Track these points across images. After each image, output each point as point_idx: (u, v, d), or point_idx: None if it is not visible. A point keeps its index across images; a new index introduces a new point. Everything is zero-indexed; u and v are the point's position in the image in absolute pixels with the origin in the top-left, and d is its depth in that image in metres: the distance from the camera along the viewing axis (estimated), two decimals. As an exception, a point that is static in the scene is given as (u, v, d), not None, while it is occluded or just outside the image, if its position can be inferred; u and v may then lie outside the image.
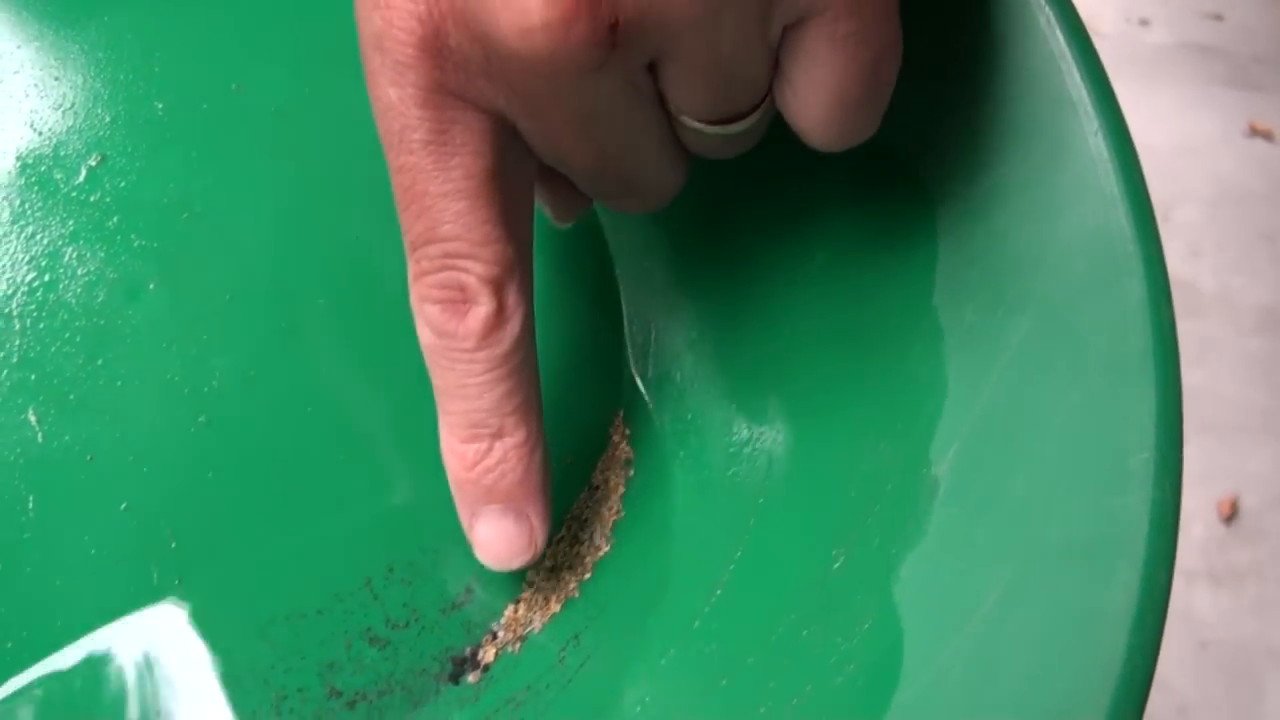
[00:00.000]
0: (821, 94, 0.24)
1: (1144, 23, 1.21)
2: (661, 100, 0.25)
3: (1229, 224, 1.12)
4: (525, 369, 0.27)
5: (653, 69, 0.24)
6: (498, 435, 0.28)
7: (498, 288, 0.26)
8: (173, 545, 0.29)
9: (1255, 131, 1.17)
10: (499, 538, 0.28)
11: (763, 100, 0.25)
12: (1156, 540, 0.24)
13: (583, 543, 0.32)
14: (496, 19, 0.22)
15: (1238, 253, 1.11)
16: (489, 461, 0.28)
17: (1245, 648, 0.93)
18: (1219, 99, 1.18)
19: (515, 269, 0.26)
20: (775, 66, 0.25)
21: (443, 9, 0.22)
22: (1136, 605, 0.23)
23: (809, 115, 0.25)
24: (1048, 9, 0.26)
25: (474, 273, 0.25)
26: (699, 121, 0.26)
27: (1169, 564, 0.24)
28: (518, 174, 0.26)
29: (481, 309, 0.26)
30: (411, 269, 0.26)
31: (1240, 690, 0.91)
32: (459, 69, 0.23)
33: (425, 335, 0.27)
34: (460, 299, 0.26)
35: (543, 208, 0.31)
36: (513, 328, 0.26)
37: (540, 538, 0.29)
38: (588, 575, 0.31)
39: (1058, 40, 0.26)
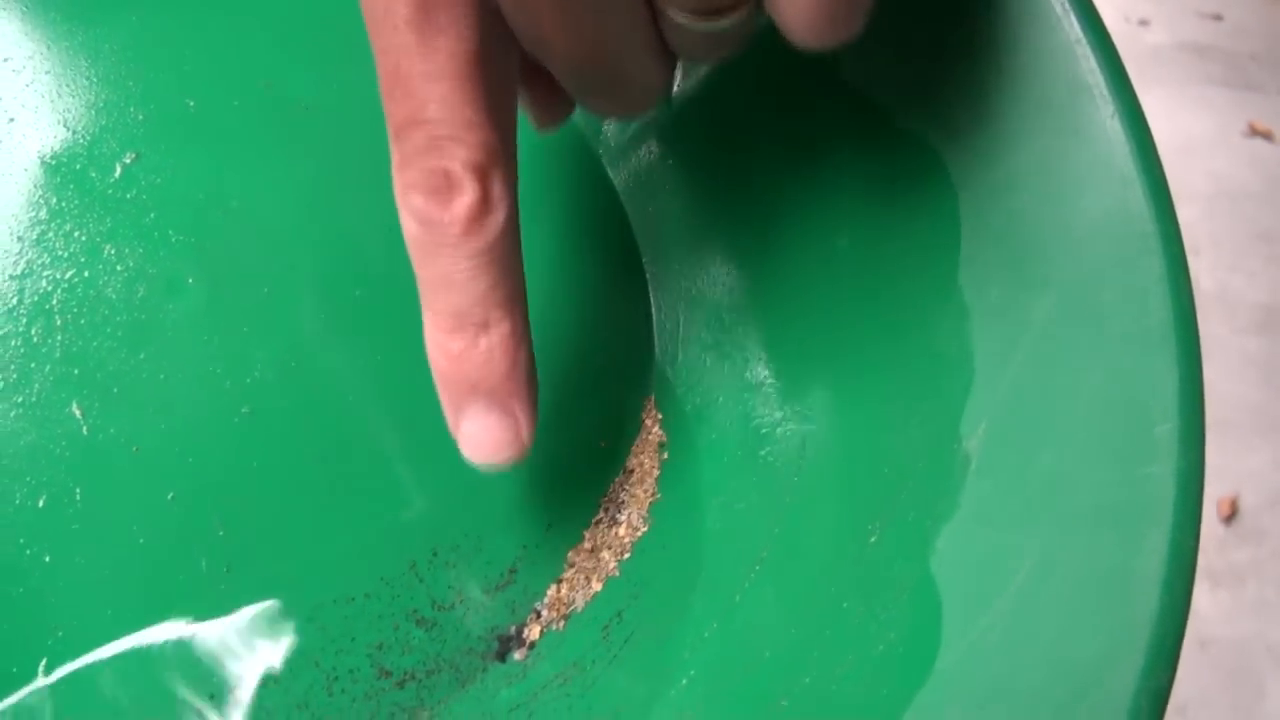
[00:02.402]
0: None
1: (1143, 23, 1.22)
2: None
3: (1227, 223, 1.13)
4: (510, 260, 0.27)
5: None
6: (483, 327, 0.27)
7: (483, 175, 0.25)
8: (220, 534, 0.29)
9: (1254, 131, 1.17)
10: (485, 433, 0.28)
11: None
12: (1183, 506, 0.24)
13: (620, 524, 0.32)
14: None
15: (1236, 252, 1.12)
16: (475, 354, 0.27)
17: (1245, 647, 0.93)
18: (1217, 99, 1.19)
19: (500, 156, 0.25)
20: None
21: None
22: (1166, 568, 0.24)
23: (794, 10, 0.24)
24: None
25: (458, 158, 0.25)
26: (685, 14, 0.25)
27: (1195, 529, 0.24)
28: (502, 59, 0.25)
29: (466, 197, 0.25)
30: (395, 156, 0.25)
31: (1240, 689, 0.92)
32: None
33: (409, 225, 0.26)
34: (445, 186, 0.25)
35: (525, 111, 0.30)
36: (498, 216, 0.26)
37: (526, 434, 0.28)
38: (627, 555, 0.32)
39: (1073, 26, 0.27)
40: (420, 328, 0.27)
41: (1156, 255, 0.26)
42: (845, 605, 0.28)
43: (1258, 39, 1.23)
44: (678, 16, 0.25)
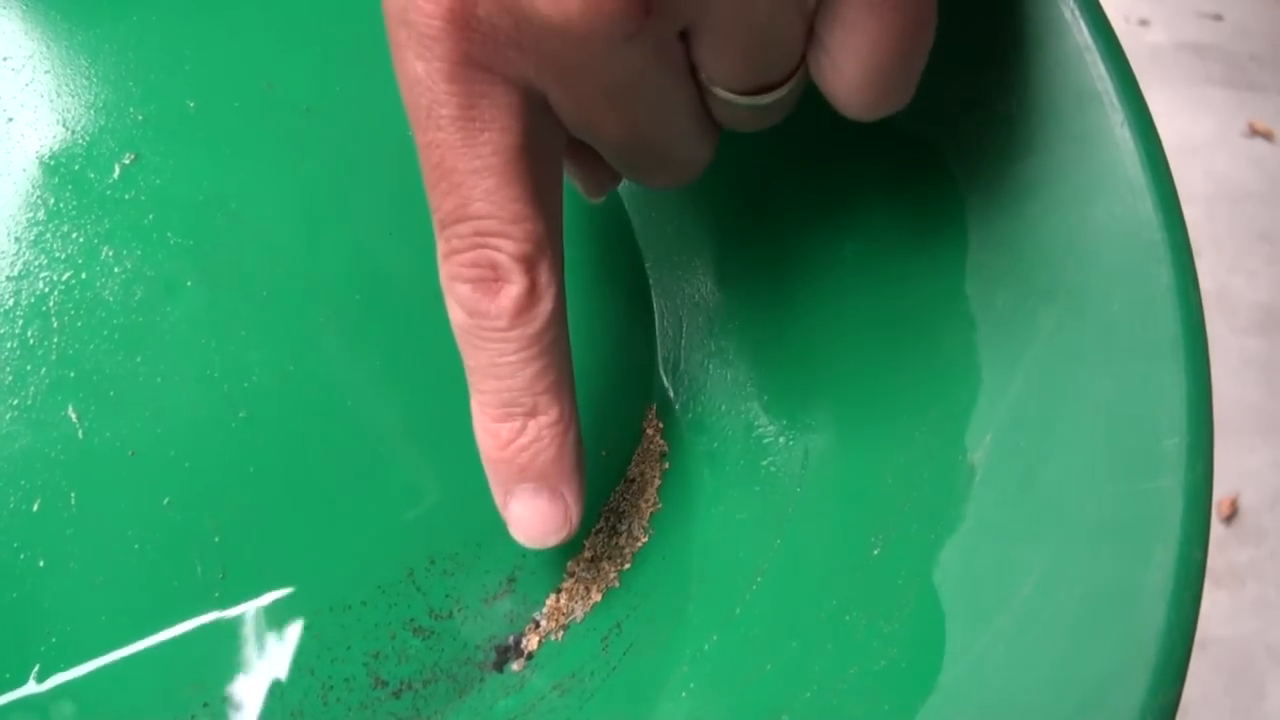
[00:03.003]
0: (858, 61, 0.24)
1: (1143, 23, 1.22)
2: (693, 71, 0.25)
3: (1228, 224, 1.13)
4: (557, 347, 0.27)
5: (684, 38, 0.24)
6: (531, 414, 0.27)
7: (529, 265, 0.25)
8: (216, 539, 0.29)
9: (1254, 131, 1.17)
10: (534, 516, 0.28)
11: (795, 70, 0.25)
12: (1190, 520, 0.24)
13: (621, 534, 0.32)
14: None
15: (1236, 252, 1.12)
16: (523, 440, 0.27)
17: (1245, 647, 0.93)
18: (1218, 99, 1.19)
19: (546, 246, 0.25)
20: (809, 34, 0.24)
21: None
22: (1173, 584, 0.23)
23: (844, 83, 0.24)
24: (1072, 3, 0.27)
25: (505, 250, 0.25)
26: (731, 92, 0.25)
27: (1203, 543, 0.24)
28: (547, 148, 0.25)
29: (514, 288, 0.25)
30: (441, 247, 0.25)
31: (1240, 690, 0.92)
32: (487, 40, 0.22)
33: (456, 314, 0.26)
34: (492, 277, 0.25)
35: (572, 182, 0.30)
36: (545, 305, 0.26)
37: (575, 515, 0.28)
38: (627, 565, 0.31)
39: (1082, 32, 0.27)
40: (421, 338, 0.27)
41: (1165, 265, 0.26)
42: (848, 618, 0.27)
43: (1258, 39, 1.23)
44: (725, 94, 0.25)
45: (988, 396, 0.28)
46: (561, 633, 0.31)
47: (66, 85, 0.32)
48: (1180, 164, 1.16)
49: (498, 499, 0.29)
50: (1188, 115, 1.18)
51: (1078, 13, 0.27)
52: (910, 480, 0.28)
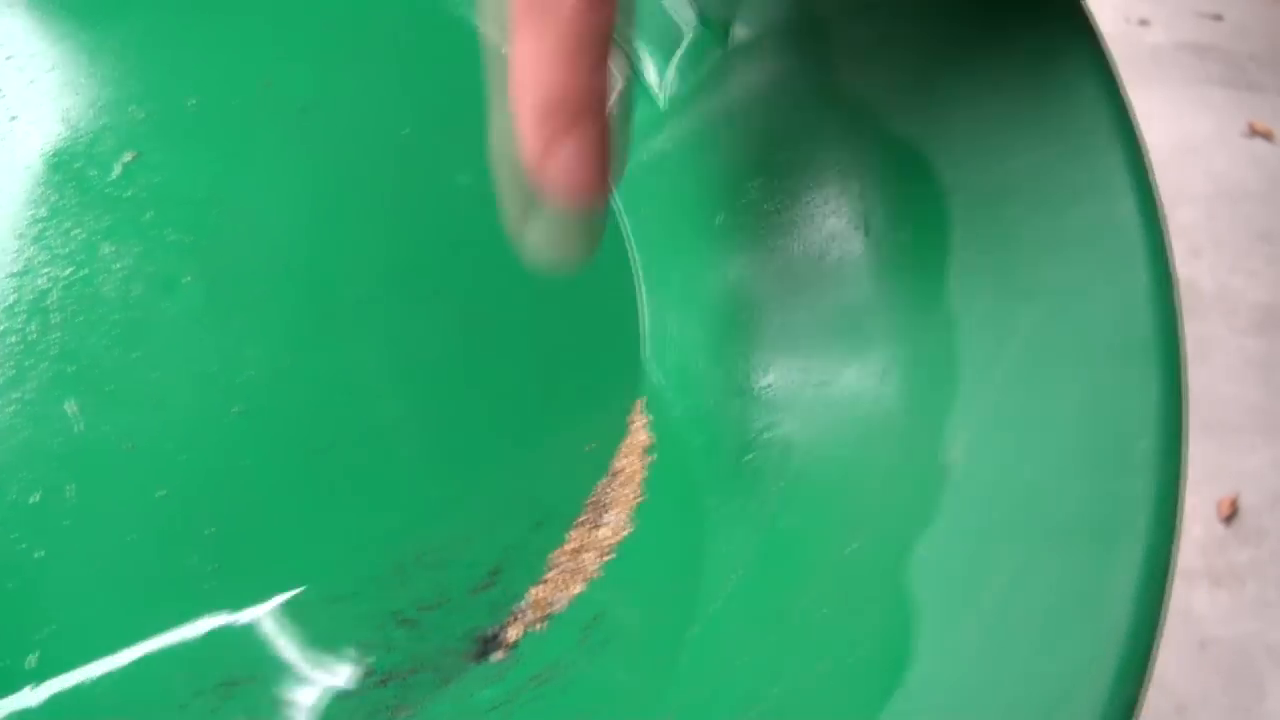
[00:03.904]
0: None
1: (1143, 23, 1.21)
2: None
3: (1227, 224, 1.13)
4: (606, 61, 0.25)
5: None
6: (577, 119, 0.25)
7: None
8: (209, 532, 0.29)
9: (1254, 132, 1.17)
10: (561, 234, 0.26)
11: None
12: (1159, 521, 0.24)
13: (604, 526, 0.32)
14: None
15: (1236, 252, 1.11)
16: (562, 148, 0.25)
17: (1245, 647, 0.93)
18: (1218, 99, 1.19)
19: None
20: None
21: None
22: (1139, 584, 0.24)
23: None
24: (1059, 4, 0.27)
25: None
26: None
27: (1170, 545, 0.24)
28: None
29: None
30: None
31: (1240, 690, 0.91)
32: None
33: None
34: None
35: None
36: (610, 9, 0.24)
37: (597, 236, 0.26)
38: (610, 557, 0.32)
39: (1066, 33, 0.27)
40: (415, 334, 0.27)
41: (1143, 268, 0.26)
42: (822, 613, 0.28)
43: (1258, 39, 1.23)
44: None
45: (966, 397, 0.28)
46: (543, 624, 0.31)
47: (68, 84, 0.32)
48: (1180, 164, 1.15)
49: (514, 224, 0.26)
50: (1188, 115, 1.18)
51: (1063, 12, 0.27)
52: (888, 479, 0.29)
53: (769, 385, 0.32)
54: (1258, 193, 1.14)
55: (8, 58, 0.32)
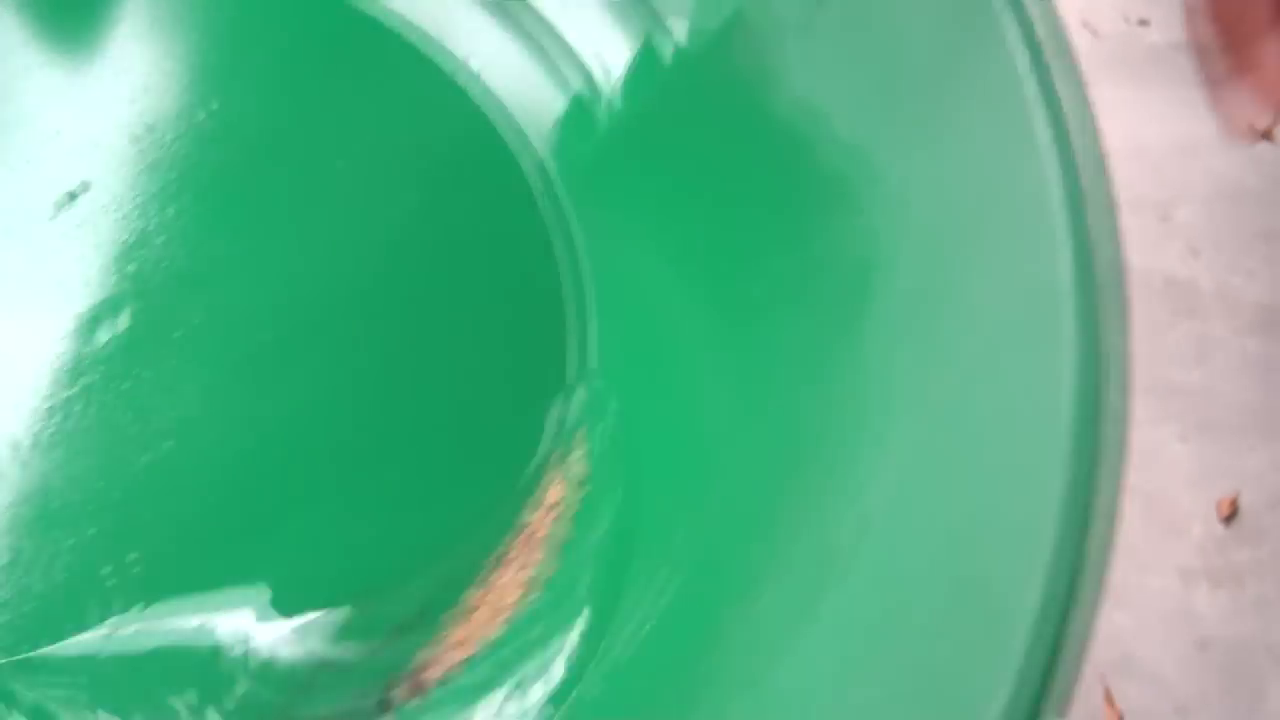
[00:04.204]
0: None
1: (1143, 23, 1.21)
2: None
3: (1227, 223, 1.12)
4: None
5: None
6: None
7: None
8: (115, 580, 0.29)
9: (1254, 132, 1.17)
10: None
11: None
12: (1067, 525, 0.24)
13: (517, 566, 0.31)
14: None
15: (1235, 252, 1.11)
16: None
17: (1245, 648, 0.93)
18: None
19: None
20: None
21: None
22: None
23: None
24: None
25: None
26: None
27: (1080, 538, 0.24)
28: None
29: None
30: None
31: (1240, 690, 0.91)
32: None
33: None
34: None
35: None
36: None
37: None
38: (531, 593, 0.31)
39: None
40: (359, 360, 0.27)
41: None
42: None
43: (1259, 39, 1.23)
44: None
45: (874, 454, 0.27)
46: (457, 667, 0.30)
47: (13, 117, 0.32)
48: (1180, 164, 1.15)
49: None
50: (1188, 115, 1.18)
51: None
52: (801, 522, 0.28)
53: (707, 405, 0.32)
54: (1258, 193, 1.13)
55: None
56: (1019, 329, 0.25)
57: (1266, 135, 1.15)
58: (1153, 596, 0.88)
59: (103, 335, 0.30)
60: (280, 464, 0.30)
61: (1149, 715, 0.86)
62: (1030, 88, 0.26)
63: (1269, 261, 1.10)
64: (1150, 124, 1.21)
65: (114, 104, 0.32)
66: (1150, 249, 1.18)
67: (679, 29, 0.31)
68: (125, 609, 0.29)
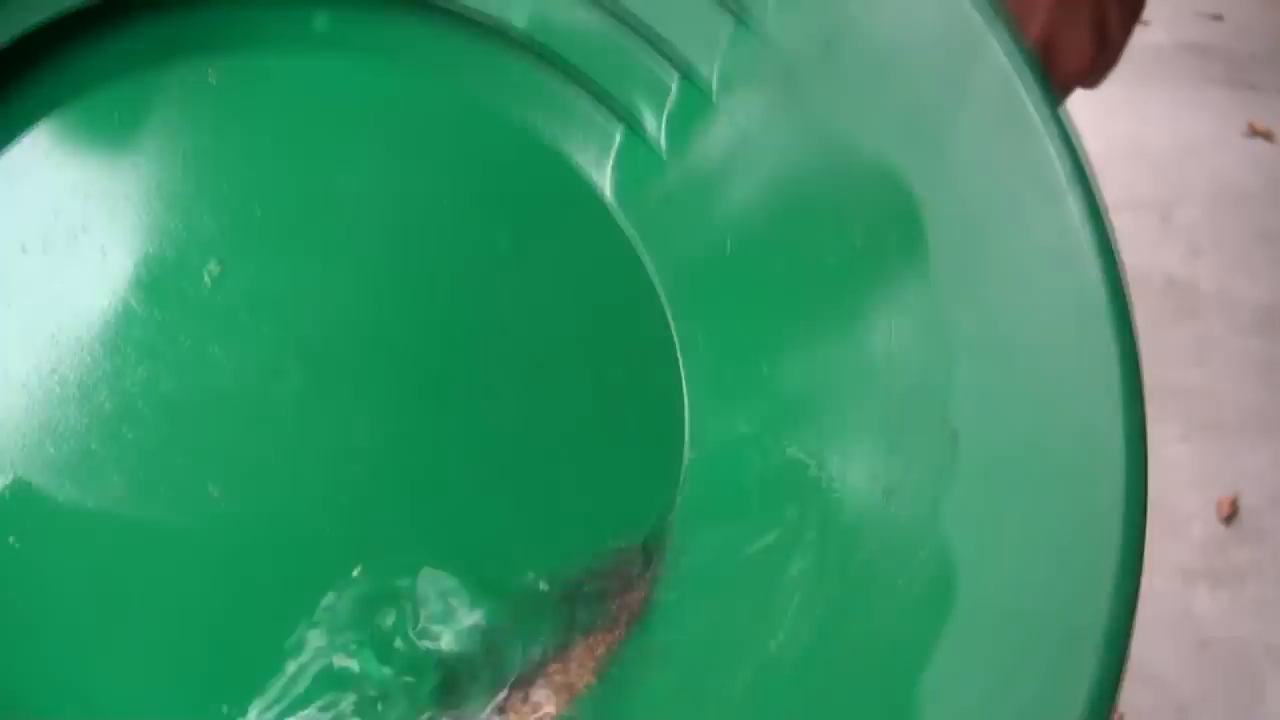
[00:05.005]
0: None
1: (1143, 23, 1.21)
2: None
3: (1228, 224, 1.12)
4: None
5: None
6: None
7: None
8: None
9: (1254, 131, 1.17)
10: None
11: None
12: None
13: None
14: None
15: (1236, 252, 1.11)
16: None
17: (1245, 647, 0.93)
18: (1218, 99, 1.19)
19: None
20: None
21: None
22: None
23: None
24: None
25: None
26: None
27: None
28: None
29: None
30: None
31: (1240, 690, 0.91)
32: None
33: None
34: None
35: None
36: None
37: None
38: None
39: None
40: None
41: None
42: None
43: (1258, 39, 1.23)
44: None
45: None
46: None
47: (146, 206, 0.33)
48: (1180, 164, 1.15)
49: None
50: (1187, 115, 1.18)
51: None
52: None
53: None
54: (1258, 193, 1.13)
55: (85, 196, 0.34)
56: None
57: (1266, 135, 1.15)
58: (1153, 596, 0.88)
59: (272, 389, 0.32)
60: (438, 488, 0.32)
61: (1150, 714, 0.86)
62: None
63: (1270, 262, 1.10)
64: (1150, 124, 1.21)
65: (231, 192, 0.34)
66: (1150, 249, 1.18)
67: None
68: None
